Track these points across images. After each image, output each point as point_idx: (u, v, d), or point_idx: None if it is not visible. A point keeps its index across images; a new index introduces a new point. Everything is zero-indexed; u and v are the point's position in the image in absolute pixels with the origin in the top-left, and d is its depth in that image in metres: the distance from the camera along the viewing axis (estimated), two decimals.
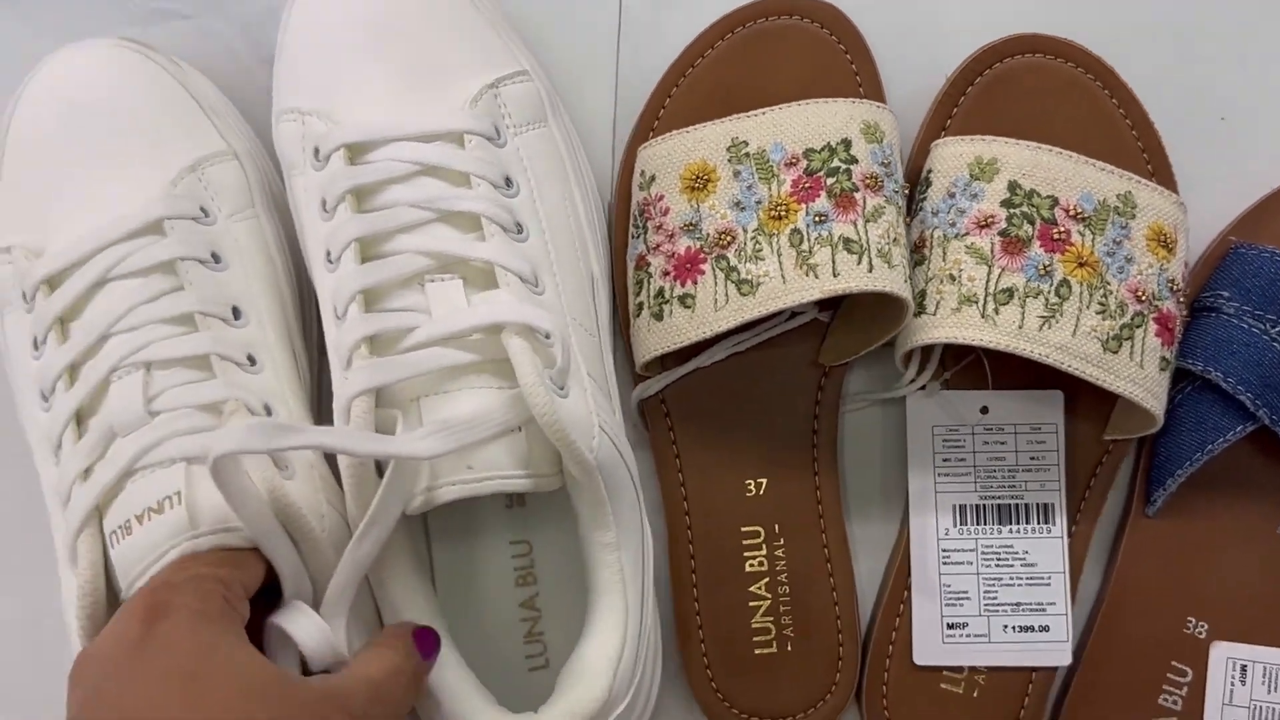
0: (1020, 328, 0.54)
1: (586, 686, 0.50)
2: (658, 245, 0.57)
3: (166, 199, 0.53)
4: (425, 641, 0.50)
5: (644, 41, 0.62)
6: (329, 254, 0.52)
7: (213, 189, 0.55)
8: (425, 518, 0.56)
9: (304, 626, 0.48)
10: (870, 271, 0.53)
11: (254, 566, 0.48)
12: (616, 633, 0.51)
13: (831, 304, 0.60)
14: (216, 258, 0.54)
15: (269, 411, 0.52)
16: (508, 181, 0.54)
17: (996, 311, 0.54)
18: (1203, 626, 0.59)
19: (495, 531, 0.57)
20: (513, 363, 0.48)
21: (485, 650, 0.54)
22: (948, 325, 0.55)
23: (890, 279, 0.54)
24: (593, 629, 0.52)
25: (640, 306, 0.57)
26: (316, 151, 0.53)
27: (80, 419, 0.51)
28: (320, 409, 0.59)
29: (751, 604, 0.59)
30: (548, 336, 0.50)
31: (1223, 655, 0.59)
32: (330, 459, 0.53)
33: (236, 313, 0.53)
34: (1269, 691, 0.59)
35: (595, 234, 0.58)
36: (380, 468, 0.50)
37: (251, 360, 0.53)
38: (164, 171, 0.54)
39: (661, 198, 0.57)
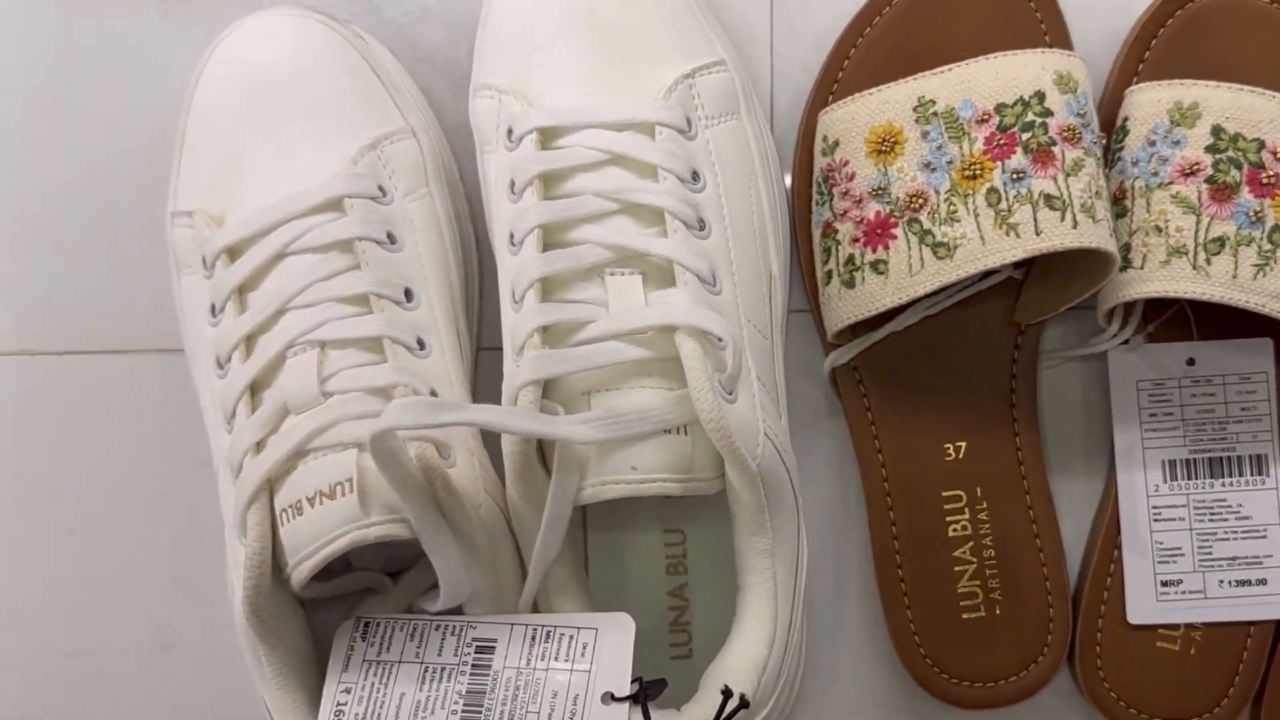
0: (1234, 278, 0.52)
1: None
2: (845, 211, 0.56)
3: (348, 177, 0.54)
4: None
5: (798, 13, 0.61)
6: (512, 236, 0.52)
7: (391, 167, 0.56)
8: (585, 506, 0.56)
9: None
10: (1075, 228, 0.52)
11: None
12: (764, 639, 0.51)
13: (1026, 261, 0.58)
14: (392, 238, 0.54)
15: (434, 395, 0.52)
16: (695, 175, 0.53)
17: (1209, 262, 0.53)
18: None
19: (650, 518, 0.57)
20: (684, 365, 0.48)
21: None
22: (1158, 279, 0.53)
23: (1097, 234, 0.52)
24: (740, 633, 0.51)
25: (829, 274, 0.57)
26: (510, 132, 0.53)
27: (254, 390, 0.52)
28: (476, 387, 0.59)
29: (956, 569, 0.59)
30: (720, 340, 0.49)
31: None
32: (492, 449, 0.53)
33: (409, 294, 0.54)
34: None
35: (777, 229, 0.58)
36: (545, 460, 0.51)
37: (421, 344, 0.53)
38: (347, 147, 0.55)
39: (846, 163, 0.56)
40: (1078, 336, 0.60)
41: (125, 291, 0.62)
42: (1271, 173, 0.53)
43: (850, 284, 0.55)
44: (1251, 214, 0.53)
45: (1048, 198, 0.52)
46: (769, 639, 0.51)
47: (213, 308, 0.53)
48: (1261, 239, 0.53)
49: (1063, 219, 0.52)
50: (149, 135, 0.60)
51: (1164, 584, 0.58)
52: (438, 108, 0.61)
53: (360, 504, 0.48)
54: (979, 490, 0.59)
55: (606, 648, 0.49)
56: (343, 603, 0.56)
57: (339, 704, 0.49)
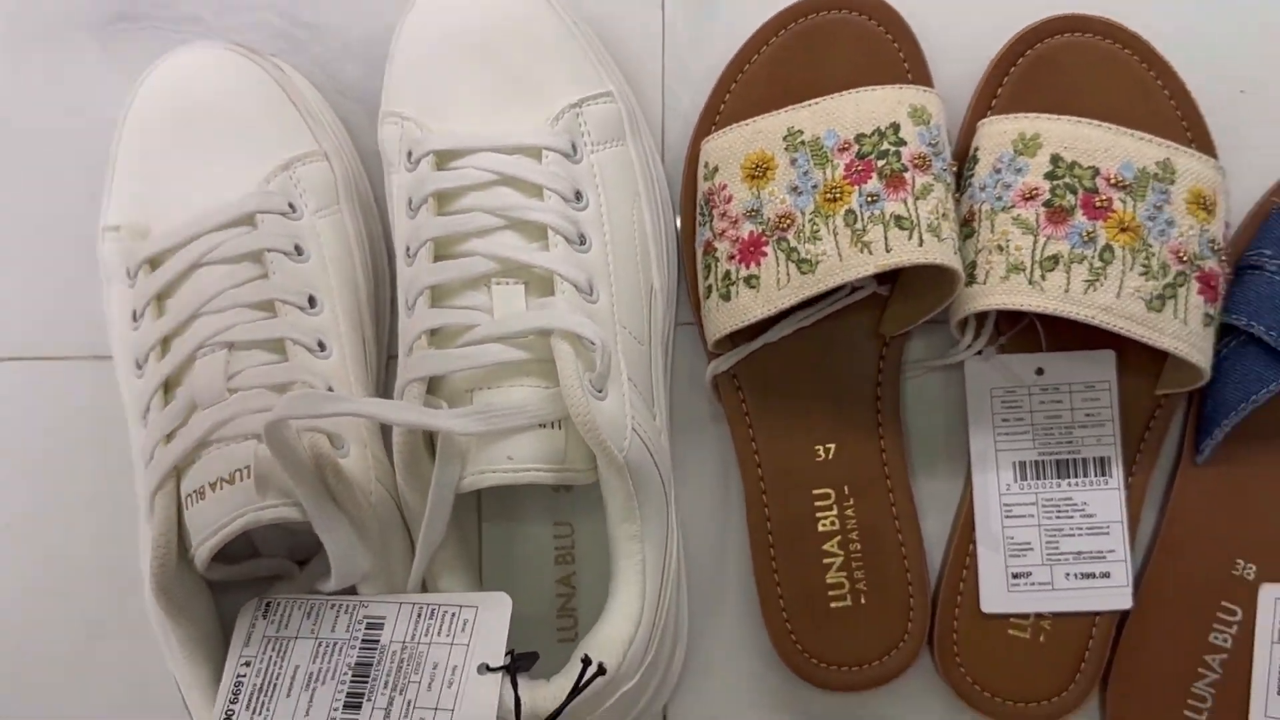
0: (1066, 292, 0.58)
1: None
2: (723, 231, 0.61)
3: (260, 195, 0.59)
4: None
5: (687, 52, 0.67)
6: (408, 249, 0.58)
7: (302, 186, 0.61)
8: (479, 497, 0.62)
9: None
10: (920, 245, 0.57)
11: None
12: (631, 616, 0.56)
13: (889, 278, 0.64)
14: (299, 250, 0.59)
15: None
16: (578, 195, 0.58)
17: (1043, 278, 0.58)
18: (1251, 568, 0.62)
19: (541, 512, 0.62)
20: (556, 365, 0.53)
21: (519, 619, 0.57)
22: (997, 293, 0.58)
23: (940, 251, 0.57)
24: (610, 611, 0.56)
25: (709, 289, 0.61)
26: (410, 154, 0.58)
27: (168, 388, 0.57)
28: (384, 390, 0.64)
29: (825, 561, 0.63)
30: (592, 343, 0.54)
31: (1270, 596, 0.61)
32: (387, 441, 0.58)
33: (313, 301, 0.59)
34: None
35: (662, 248, 0.63)
36: (432, 449, 0.55)
37: (321, 346, 0.58)
38: (261, 167, 0.60)
39: (725, 187, 0.61)
40: (939, 349, 0.65)
41: (61, 302, 0.67)
42: (1104, 197, 0.58)
43: (726, 297, 0.60)
44: (1084, 234, 0.58)
45: (898, 218, 0.57)
46: (636, 616, 0.55)
47: (134, 313, 0.58)
48: (1093, 257, 0.58)
49: (910, 237, 0.57)
50: (86, 158, 0.65)
51: (1014, 576, 0.62)
52: (356, 134, 0.66)
53: (257, 489, 0.53)
54: (846, 489, 0.63)
55: (484, 624, 0.54)
56: (253, 588, 0.60)
57: (239, 676, 0.54)
